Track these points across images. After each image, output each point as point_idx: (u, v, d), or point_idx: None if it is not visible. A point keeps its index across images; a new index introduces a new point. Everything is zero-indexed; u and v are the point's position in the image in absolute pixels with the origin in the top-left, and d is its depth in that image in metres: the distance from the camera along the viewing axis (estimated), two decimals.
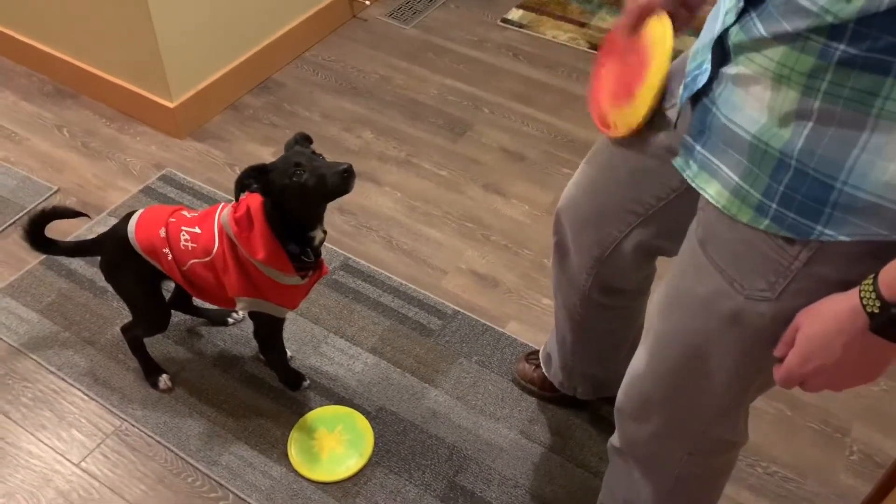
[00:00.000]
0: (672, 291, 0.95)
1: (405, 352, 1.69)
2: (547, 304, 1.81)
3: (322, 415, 1.56)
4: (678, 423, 1.04)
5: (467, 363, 1.68)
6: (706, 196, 0.84)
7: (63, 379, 1.62)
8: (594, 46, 2.61)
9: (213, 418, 1.56)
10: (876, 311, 0.69)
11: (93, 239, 1.52)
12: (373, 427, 1.55)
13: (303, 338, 1.71)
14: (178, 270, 1.40)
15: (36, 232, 1.48)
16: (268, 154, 2.17)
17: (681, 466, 1.09)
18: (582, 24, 2.71)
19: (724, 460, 1.11)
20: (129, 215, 1.45)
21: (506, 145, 2.23)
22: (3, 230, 1.91)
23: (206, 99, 2.22)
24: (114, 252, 1.46)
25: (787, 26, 0.71)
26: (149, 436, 1.53)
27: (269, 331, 1.51)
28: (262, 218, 1.31)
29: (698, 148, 0.84)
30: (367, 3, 2.69)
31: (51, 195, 2.00)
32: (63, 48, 2.27)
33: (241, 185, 1.25)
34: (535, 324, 1.77)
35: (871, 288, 0.70)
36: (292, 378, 1.61)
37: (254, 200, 1.32)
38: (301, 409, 1.58)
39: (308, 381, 1.63)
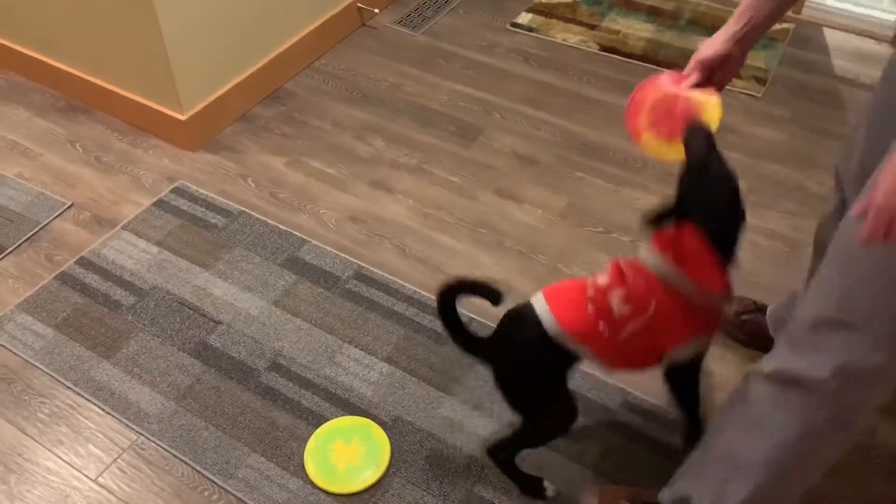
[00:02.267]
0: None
1: (420, 360, 1.68)
2: None
3: (338, 426, 1.55)
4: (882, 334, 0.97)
5: (483, 371, 1.66)
6: None
7: (79, 394, 1.62)
8: (605, 48, 2.60)
9: (229, 431, 1.55)
10: None
11: (488, 339, 1.31)
12: (389, 437, 1.54)
13: (317, 348, 1.70)
14: (611, 348, 1.21)
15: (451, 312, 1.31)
16: (280, 164, 2.16)
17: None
18: (592, 27, 2.69)
19: (864, 421, 1.07)
20: (521, 309, 1.26)
21: (518, 150, 2.22)
22: (18, 246, 1.92)
23: (217, 111, 2.23)
24: (524, 348, 1.25)
25: None
26: (165, 450, 1.53)
27: (694, 368, 1.31)
28: (699, 242, 1.15)
29: None
30: (376, 11, 2.68)
31: (64, 210, 2.01)
32: (75, 64, 2.29)
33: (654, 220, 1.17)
34: None
35: None
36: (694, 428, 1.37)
37: (680, 233, 1.17)
38: (317, 420, 1.57)
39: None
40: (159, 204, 2.03)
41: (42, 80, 2.40)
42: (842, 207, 1.29)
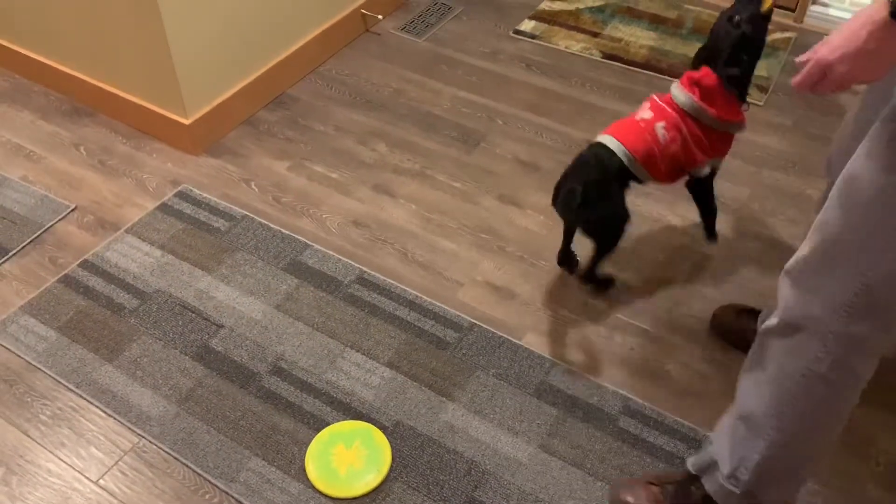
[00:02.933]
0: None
1: (422, 365, 1.68)
2: (564, 314, 1.80)
3: (339, 430, 1.56)
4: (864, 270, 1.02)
5: (484, 376, 1.66)
6: None
7: (81, 396, 1.62)
8: (607, 56, 2.61)
9: (231, 434, 1.56)
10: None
11: (572, 169, 1.66)
12: (390, 442, 1.54)
13: (319, 352, 1.70)
14: (660, 166, 1.64)
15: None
16: (283, 168, 2.17)
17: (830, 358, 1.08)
18: (595, 34, 2.70)
19: (863, 370, 1.10)
20: (597, 148, 1.64)
21: (520, 156, 2.23)
22: (22, 248, 1.93)
23: (221, 115, 2.24)
24: (603, 174, 1.62)
25: None
26: (166, 452, 1.53)
27: (708, 185, 1.79)
28: (719, 84, 1.59)
29: None
30: (380, 17, 2.70)
31: (68, 213, 2.02)
32: (80, 67, 2.30)
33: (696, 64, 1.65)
34: (553, 335, 1.75)
35: None
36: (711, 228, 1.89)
37: (706, 74, 1.60)
38: (318, 424, 1.57)
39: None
40: (163, 208, 2.04)
41: (47, 82, 2.42)
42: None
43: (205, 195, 2.08)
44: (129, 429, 1.57)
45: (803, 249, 1.10)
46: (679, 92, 1.63)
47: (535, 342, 1.74)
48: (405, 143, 2.27)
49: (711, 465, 1.29)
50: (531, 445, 1.54)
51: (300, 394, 1.63)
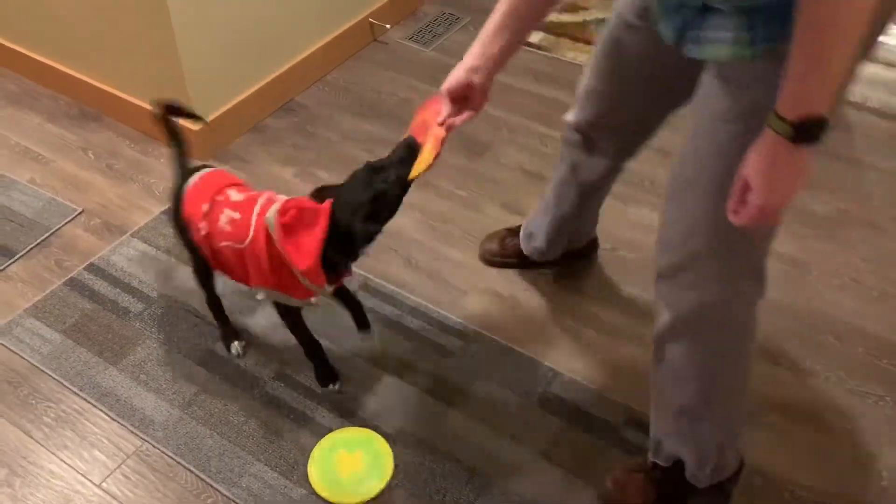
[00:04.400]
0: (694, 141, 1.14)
1: (425, 373, 1.68)
2: (568, 324, 1.80)
3: (342, 436, 1.56)
4: (723, 254, 1.15)
5: (488, 384, 1.66)
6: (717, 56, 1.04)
7: (85, 399, 1.62)
8: None
9: (234, 439, 1.56)
10: (788, 131, 0.92)
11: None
12: (393, 449, 1.54)
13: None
14: (208, 246, 1.47)
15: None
16: (289, 175, 2.18)
17: (719, 321, 1.21)
18: None
19: (749, 314, 1.24)
20: (195, 170, 1.53)
21: (525, 165, 2.23)
22: (28, 251, 1.94)
23: (229, 121, 2.25)
24: (174, 202, 1.55)
25: None
26: (169, 456, 1.53)
27: (290, 317, 1.57)
28: (321, 232, 1.34)
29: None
30: (388, 26, 2.71)
31: (75, 216, 2.03)
32: (88, 71, 2.31)
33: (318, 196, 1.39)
34: (556, 345, 1.75)
35: (775, 118, 0.93)
36: (323, 373, 1.64)
37: (316, 212, 1.36)
38: (321, 430, 1.58)
39: (339, 384, 1.64)
40: (169, 212, 2.04)
41: (55, 86, 2.43)
42: (585, 144, 1.54)
43: None
44: (133, 432, 1.57)
45: (665, 259, 1.23)
46: (274, 207, 1.39)
47: (539, 351, 1.74)
48: None
49: (678, 462, 1.38)
50: (534, 454, 1.54)
51: (303, 399, 1.63)
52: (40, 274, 1.88)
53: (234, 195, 1.47)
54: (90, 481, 1.50)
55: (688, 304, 1.21)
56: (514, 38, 1.23)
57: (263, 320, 1.78)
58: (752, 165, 0.98)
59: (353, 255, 1.41)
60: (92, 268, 1.89)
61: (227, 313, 1.72)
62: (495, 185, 2.17)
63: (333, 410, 1.61)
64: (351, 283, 1.63)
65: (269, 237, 1.38)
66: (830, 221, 2.09)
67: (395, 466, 1.52)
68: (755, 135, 0.98)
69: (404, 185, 1.35)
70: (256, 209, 1.42)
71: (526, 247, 1.83)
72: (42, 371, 1.67)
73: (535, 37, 2.75)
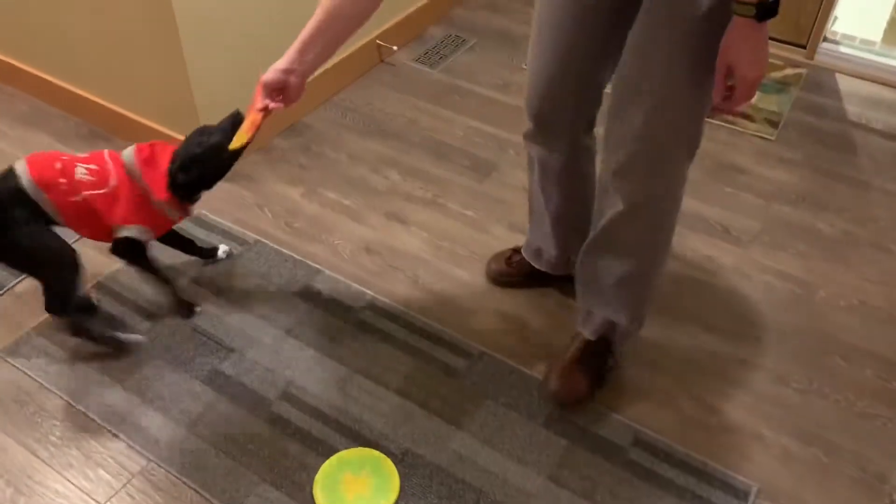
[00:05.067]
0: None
1: (431, 393, 1.68)
2: None
3: (348, 457, 1.55)
4: (671, 150, 1.33)
5: (494, 405, 1.66)
6: None
7: (91, 418, 1.62)
8: None
9: (239, 459, 1.55)
10: (751, 11, 1.08)
11: None
12: (399, 470, 1.53)
13: (328, 378, 1.70)
14: (69, 202, 1.58)
15: None
16: (296, 194, 2.19)
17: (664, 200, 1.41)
18: None
19: (683, 189, 1.42)
20: (11, 167, 1.59)
21: None
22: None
23: None
24: (7, 206, 1.56)
25: None
26: (174, 476, 1.53)
27: (135, 252, 1.72)
28: (165, 168, 1.59)
29: None
30: (395, 48, 2.74)
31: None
32: (98, 92, 2.34)
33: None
34: None
35: (739, 5, 1.09)
36: (181, 305, 1.82)
37: (161, 147, 1.62)
38: (327, 450, 1.57)
39: (199, 308, 1.82)
40: (177, 228, 2.05)
41: (66, 107, 2.45)
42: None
43: (218, 219, 2.10)
44: (138, 451, 1.57)
45: (620, 157, 1.36)
46: (129, 150, 1.62)
47: (545, 371, 1.73)
48: (417, 171, 2.29)
49: (609, 326, 1.62)
50: (540, 476, 1.53)
51: (309, 419, 1.62)
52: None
53: (78, 155, 1.63)
54: (95, 501, 1.49)
55: (642, 194, 1.39)
56: (326, 50, 1.40)
57: (269, 339, 1.78)
58: (733, 50, 1.15)
59: (183, 195, 1.63)
60: (99, 286, 1.90)
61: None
62: (502, 206, 2.17)
63: (339, 430, 1.61)
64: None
65: (130, 178, 1.60)
66: (837, 243, 2.09)
67: (401, 488, 1.51)
68: (701, 37, 1.18)
69: (220, 150, 1.58)
70: (107, 157, 1.62)
71: (539, 262, 1.86)
72: (48, 389, 1.68)
73: None
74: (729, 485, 1.53)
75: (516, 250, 1.93)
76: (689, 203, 2.19)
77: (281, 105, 1.48)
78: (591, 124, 1.60)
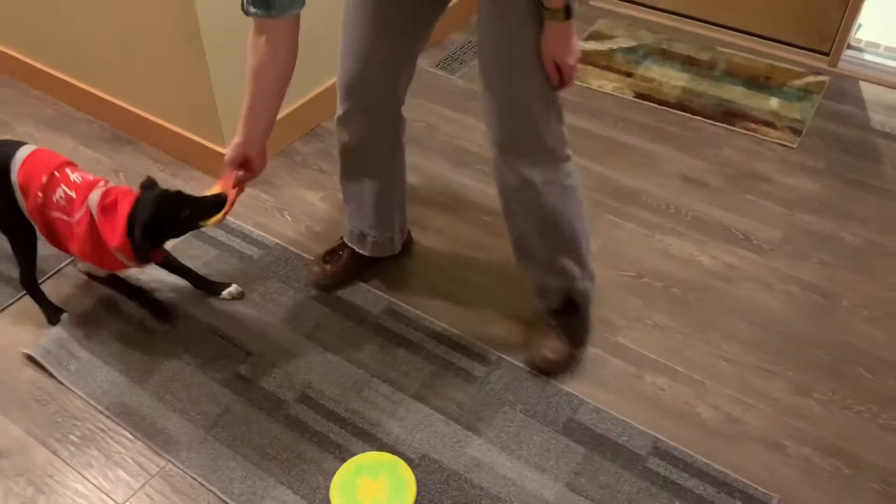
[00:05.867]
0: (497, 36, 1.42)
1: (449, 398, 1.68)
2: (593, 352, 1.78)
3: (365, 461, 1.55)
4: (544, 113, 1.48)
5: (511, 412, 1.65)
6: None
7: (111, 418, 1.64)
8: (639, 95, 2.62)
9: (257, 462, 1.56)
10: (560, 16, 1.31)
11: None
12: (416, 475, 1.53)
13: (346, 382, 1.70)
14: (39, 213, 1.67)
15: None
16: (316, 199, 2.20)
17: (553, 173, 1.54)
18: (628, 74, 2.72)
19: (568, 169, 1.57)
20: (18, 145, 1.69)
21: None
22: (59, 269, 1.97)
23: None
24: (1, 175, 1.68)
25: None
26: (192, 478, 1.53)
27: (99, 278, 1.82)
28: (126, 215, 1.59)
29: None
30: None
31: None
32: (123, 96, 2.36)
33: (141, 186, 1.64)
34: (581, 372, 1.74)
35: (549, 11, 1.31)
36: (158, 312, 1.84)
37: (124, 195, 1.63)
38: (344, 454, 1.57)
39: (175, 317, 1.84)
40: (196, 234, 2.07)
41: (90, 110, 2.49)
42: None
43: (238, 223, 2.11)
44: (157, 452, 1.58)
45: (494, 142, 1.52)
46: (96, 193, 1.64)
47: (564, 379, 1.72)
48: (437, 176, 2.29)
49: (568, 301, 1.72)
50: (558, 483, 1.52)
51: (327, 423, 1.63)
52: (70, 293, 1.91)
53: (73, 175, 1.68)
54: (114, 501, 1.50)
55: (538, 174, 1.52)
56: (269, 116, 1.55)
57: (287, 342, 1.78)
58: (553, 48, 1.35)
59: (141, 250, 1.62)
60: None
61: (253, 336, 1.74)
62: None
63: (357, 434, 1.61)
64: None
65: (91, 217, 1.63)
66: (860, 252, 2.06)
67: (418, 493, 1.51)
68: (530, 30, 1.36)
69: (191, 222, 1.61)
70: (92, 191, 1.65)
71: (363, 247, 1.88)
72: (69, 389, 1.69)
73: None
74: (749, 495, 1.51)
75: (329, 252, 1.94)
76: (710, 211, 2.17)
77: (251, 175, 1.61)
78: (404, 96, 1.68)
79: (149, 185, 1.64)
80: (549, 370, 1.72)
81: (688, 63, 2.79)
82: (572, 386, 1.71)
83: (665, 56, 2.82)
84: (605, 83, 2.68)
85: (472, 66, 2.77)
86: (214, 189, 1.61)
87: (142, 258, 1.64)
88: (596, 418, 1.64)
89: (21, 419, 1.64)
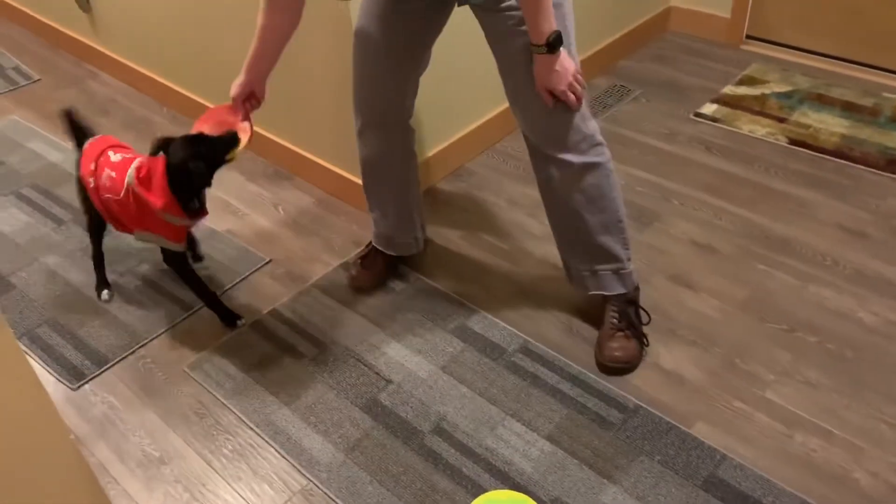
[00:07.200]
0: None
1: (583, 443, 1.65)
2: (738, 406, 1.70)
3: (497, 498, 1.55)
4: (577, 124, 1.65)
5: (649, 462, 1.60)
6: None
7: (260, 435, 1.74)
8: (794, 142, 2.51)
9: (391, 488, 1.60)
10: (543, 50, 1.49)
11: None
12: None
13: (480, 417, 1.72)
14: (98, 198, 1.90)
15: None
16: (456, 237, 2.26)
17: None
18: (781, 120, 2.62)
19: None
20: (87, 138, 1.97)
21: (695, 237, 2.18)
22: (223, 293, 2.13)
23: None
24: (75, 170, 1.99)
25: None
26: (331, 498, 1.60)
27: (174, 260, 1.93)
28: (161, 176, 1.76)
29: None
30: None
31: (263, 265, 2.21)
32: (283, 135, 2.55)
33: (155, 149, 1.80)
34: (725, 426, 1.66)
35: (535, 47, 1.50)
36: (225, 316, 2.01)
37: (154, 162, 1.79)
38: (476, 490, 1.58)
39: (242, 320, 2.02)
40: (345, 265, 2.18)
41: (256, 149, 2.69)
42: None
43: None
44: (300, 471, 1.66)
45: (532, 139, 1.72)
46: (131, 169, 1.82)
47: (705, 432, 1.65)
48: None
49: (622, 269, 1.81)
50: None
51: (460, 456, 1.65)
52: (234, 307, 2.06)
53: (113, 157, 1.88)
54: None
55: (578, 162, 1.69)
56: (269, 64, 1.75)
57: (424, 373, 1.83)
58: (541, 78, 1.54)
59: (193, 191, 1.80)
60: (274, 313, 2.05)
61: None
62: (663, 256, 2.12)
63: (489, 471, 1.62)
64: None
65: (135, 193, 1.80)
66: None
67: None
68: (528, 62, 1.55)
69: (217, 157, 1.78)
70: (131, 167, 1.83)
71: (394, 249, 2.07)
72: (225, 405, 1.82)
73: (709, 108, 2.71)
74: None
75: (360, 257, 2.11)
76: (871, 264, 2.03)
77: (257, 105, 1.82)
78: (412, 110, 1.87)
79: (164, 140, 1.80)
80: (620, 368, 1.79)
81: (848, 109, 2.64)
82: (714, 440, 1.64)
83: (822, 101, 2.69)
84: (757, 128, 2.59)
85: (616, 109, 2.77)
86: (217, 128, 1.81)
87: (192, 210, 1.81)
88: (739, 475, 1.56)
89: (181, 429, 1.78)
